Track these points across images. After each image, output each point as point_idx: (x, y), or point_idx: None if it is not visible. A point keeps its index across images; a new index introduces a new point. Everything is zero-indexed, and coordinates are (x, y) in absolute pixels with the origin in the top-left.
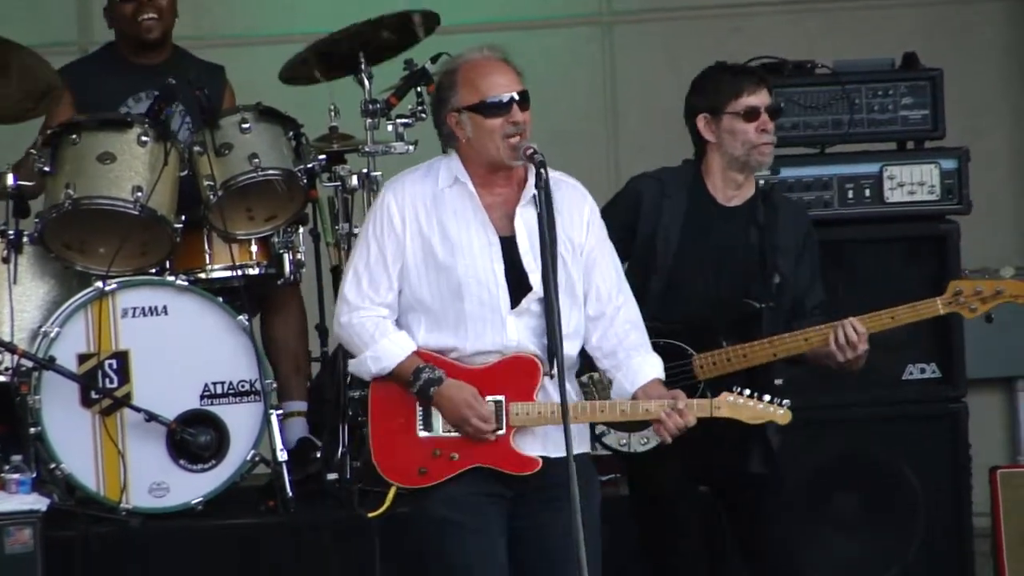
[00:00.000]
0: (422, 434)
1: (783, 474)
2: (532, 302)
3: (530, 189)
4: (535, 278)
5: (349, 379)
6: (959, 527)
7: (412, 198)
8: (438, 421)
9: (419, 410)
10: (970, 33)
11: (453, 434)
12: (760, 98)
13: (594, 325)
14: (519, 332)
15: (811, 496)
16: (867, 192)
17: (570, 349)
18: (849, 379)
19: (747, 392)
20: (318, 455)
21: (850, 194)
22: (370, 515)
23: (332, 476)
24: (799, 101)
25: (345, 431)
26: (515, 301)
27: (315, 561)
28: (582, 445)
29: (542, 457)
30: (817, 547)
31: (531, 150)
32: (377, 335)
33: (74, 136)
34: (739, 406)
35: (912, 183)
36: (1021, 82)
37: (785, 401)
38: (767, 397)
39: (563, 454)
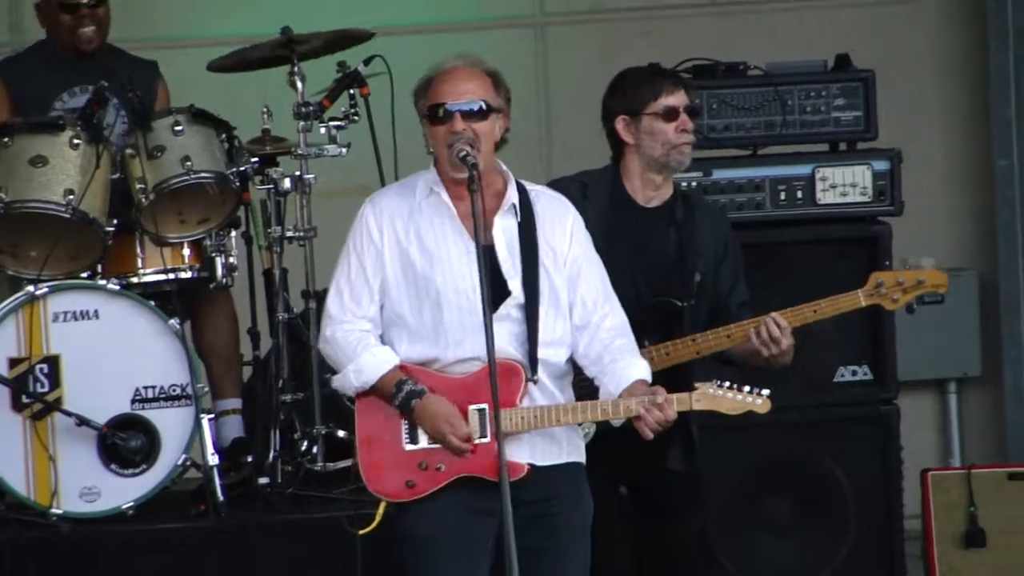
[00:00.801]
0: (408, 447)
1: (702, 470)
2: (512, 308)
3: (508, 198)
4: (514, 284)
5: (281, 383)
6: (890, 529)
7: (390, 212)
8: (423, 434)
9: (404, 423)
10: (902, 35)
11: (439, 445)
12: (678, 98)
13: (580, 334)
14: (500, 338)
15: (743, 498)
16: (799, 194)
17: (555, 356)
18: (780, 381)
19: (726, 384)
20: (250, 458)
21: (782, 196)
22: (361, 532)
23: (264, 480)
24: (731, 103)
25: (277, 436)
26: (495, 308)
27: (245, 565)
28: (573, 454)
29: (530, 464)
30: (749, 549)
31: (463, 152)
32: (359, 349)
33: (6, 139)
34: (718, 398)
35: (844, 185)
36: (953, 84)
37: (764, 391)
38: (746, 388)
39: (552, 462)
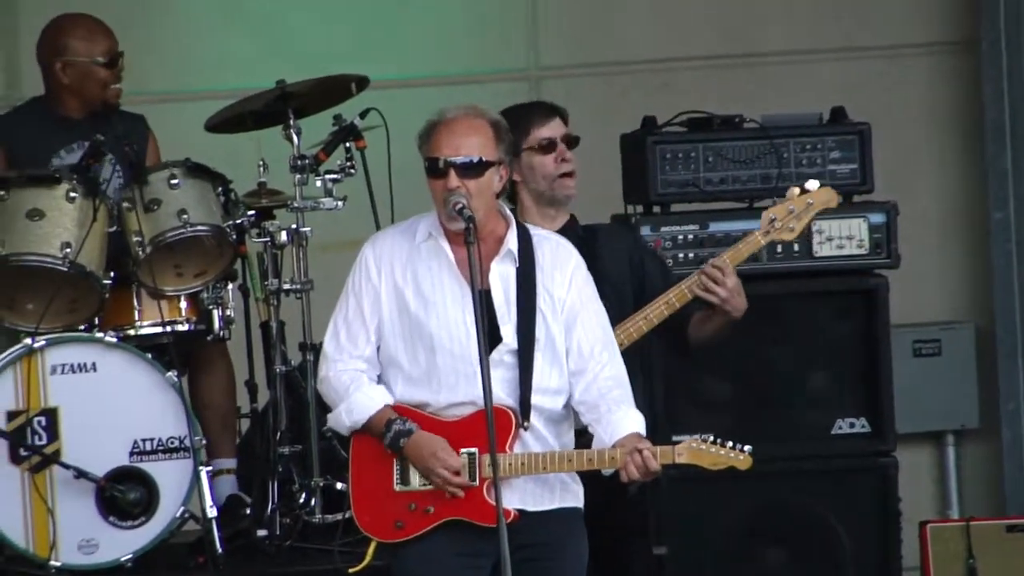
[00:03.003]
0: (398, 488)
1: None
2: (504, 354)
3: (507, 243)
4: (507, 330)
5: (279, 435)
6: None
7: (389, 252)
8: (415, 475)
9: (396, 464)
10: (898, 87)
11: (429, 487)
12: (553, 129)
13: (576, 380)
14: (492, 384)
15: (740, 549)
16: (796, 246)
17: (549, 403)
18: (779, 433)
19: (709, 438)
20: (247, 511)
21: (779, 248)
22: (351, 571)
23: (262, 532)
24: (727, 155)
25: (275, 487)
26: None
27: None
28: (567, 500)
29: (519, 510)
30: None
31: (460, 204)
32: (352, 388)
33: (2, 192)
34: (701, 452)
35: (841, 237)
36: (949, 136)
37: (746, 447)
38: (729, 443)
39: (542, 508)
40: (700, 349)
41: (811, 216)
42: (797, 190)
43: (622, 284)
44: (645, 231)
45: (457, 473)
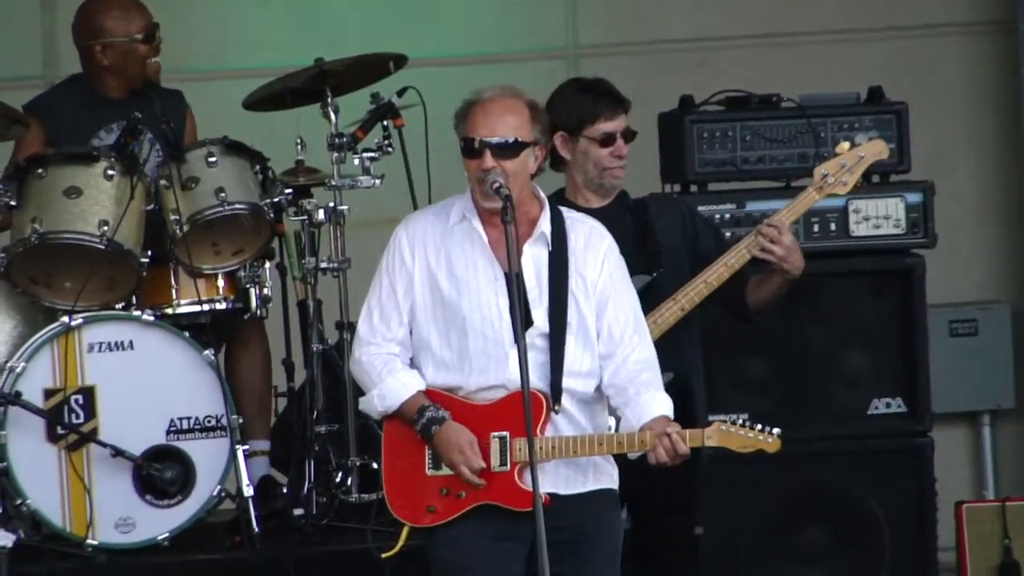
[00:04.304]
0: (430, 473)
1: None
2: (536, 337)
3: (539, 226)
4: (538, 313)
5: (316, 414)
6: (924, 562)
7: (423, 234)
8: None
9: (427, 449)
10: (935, 67)
11: None
12: (617, 123)
13: (605, 364)
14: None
15: (777, 529)
16: (833, 226)
17: (581, 386)
18: (815, 413)
19: (739, 421)
20: (284, 490)
21: (816, 228)
22: (383, 555)
23: (298, 512)
24: (765, 134)
25: (311, 466)
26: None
27: None
28: (601, 481)
29: (551, 494)
30: None
31: (497, 184)
32: (384, 373)
33: (40, 170)
34: (729, 435)
35: (877, 217)
36: (986, 116)
37: (775, 429)
38: (758, 426)
39: (575, 491)
40: (760, 312)
41: (863, 168)
42: (847, 144)
43: (677, 251)
44: None
45: (480, 472)
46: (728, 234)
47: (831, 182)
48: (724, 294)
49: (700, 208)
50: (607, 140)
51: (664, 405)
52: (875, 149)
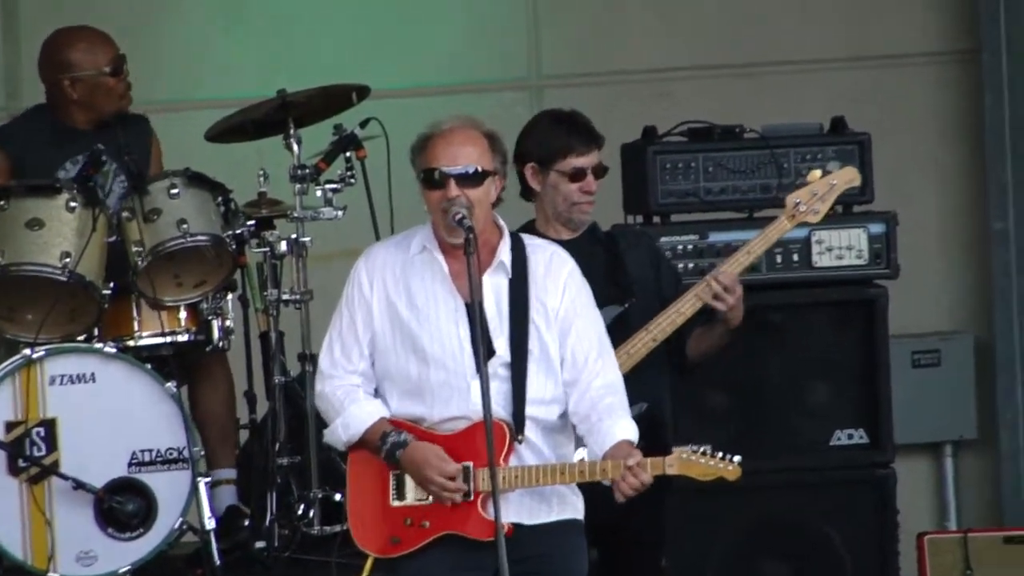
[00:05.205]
0: (395, 503)
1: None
2: (498, 367)
3: (499, 255)
4: (499, 343)
5: (278, 446)
6: None
7: (382, 265)
8: (410, 490)
9: (392, 479)
10: (899, 97)
11: (424, 502)
12: (588, 159)
13: (570, 390)
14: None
15: (739, 560)
16: (795, 256)
17: (544, 414)
18: (778, 444)
19: (699, 449)
20: (246, 523)
21: (778, 259)
22: None
23: (260, 544)
24: (727, 165)
25: (273, 499)
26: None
27: None
28: (565, 512)
29: (515, 524)
30: None
31: (460, 215)
32: (347, 402)
33: (2, 202)
34: (690, 463)
35: (840, 247)
36: (948, 146)
37: (736, 457)
38: (719, 454)
39: (539, 520)
40: (699, 364)
41: (835, 196)
42: (819, 172)
43: (647, 284)
44: None
45: (453, 479)
46: (691, 265)
47: (803, 210)
48: (667, 346)
49: (663, 239)
50: (577, 175)
51: (626, 430)
52: (847, 177)
